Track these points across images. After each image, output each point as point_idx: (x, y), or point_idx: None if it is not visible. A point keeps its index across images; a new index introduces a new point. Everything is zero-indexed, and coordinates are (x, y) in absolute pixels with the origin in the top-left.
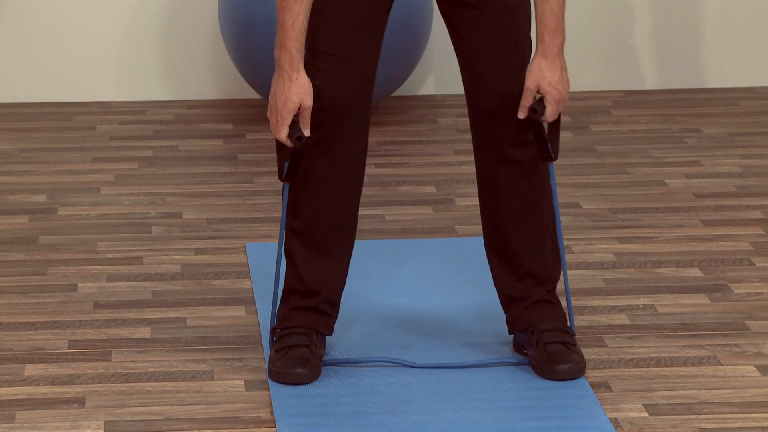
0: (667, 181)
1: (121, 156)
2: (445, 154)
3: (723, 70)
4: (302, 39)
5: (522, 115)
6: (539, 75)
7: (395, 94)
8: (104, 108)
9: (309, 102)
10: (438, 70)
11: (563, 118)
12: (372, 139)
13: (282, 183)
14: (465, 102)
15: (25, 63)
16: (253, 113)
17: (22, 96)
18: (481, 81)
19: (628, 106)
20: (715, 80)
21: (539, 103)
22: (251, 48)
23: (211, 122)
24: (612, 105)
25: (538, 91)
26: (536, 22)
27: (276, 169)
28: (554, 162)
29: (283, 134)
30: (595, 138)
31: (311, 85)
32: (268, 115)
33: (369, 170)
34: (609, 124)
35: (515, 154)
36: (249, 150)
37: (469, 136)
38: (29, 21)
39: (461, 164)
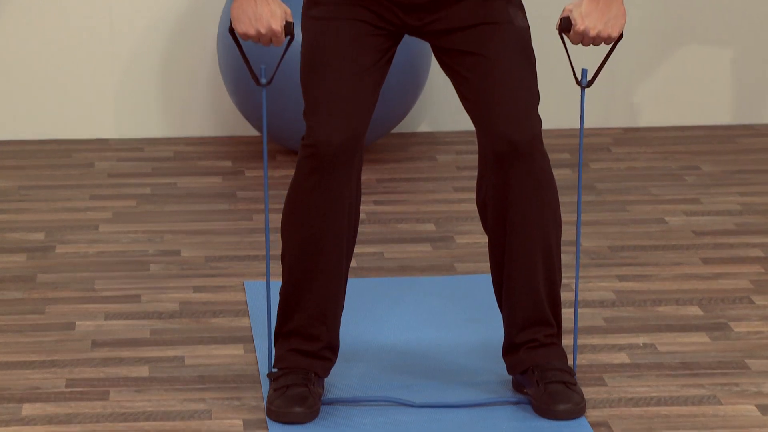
0: (666, 218)
1: (119, 193)
2: (445, 192)
3: (721, 108)
4: None
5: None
6: (578, 3)
7: (394, 131)
8: (103, 145)
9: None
10: (437, 108)
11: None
12: (371, 176)
13: (262, 87)
14: (464, 139)
15: (23, 100)
16: (251, 150)
17: (20, 133)
18: (491, 129)
19: (628, 144)
20: (714, 118)
21: (567, 20)
22: (250, 85)
23: (209, 159)
24: (611, 142)
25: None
26: None
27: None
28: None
29: (278, 26)
30: (594, 175)
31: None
32: (244, 30)
33: (368, 207)
34: (608, 162)
35: (526, 191)
36: (248, 187)
37: (468, 173)
38: (28, 58)
39: (461, 201)
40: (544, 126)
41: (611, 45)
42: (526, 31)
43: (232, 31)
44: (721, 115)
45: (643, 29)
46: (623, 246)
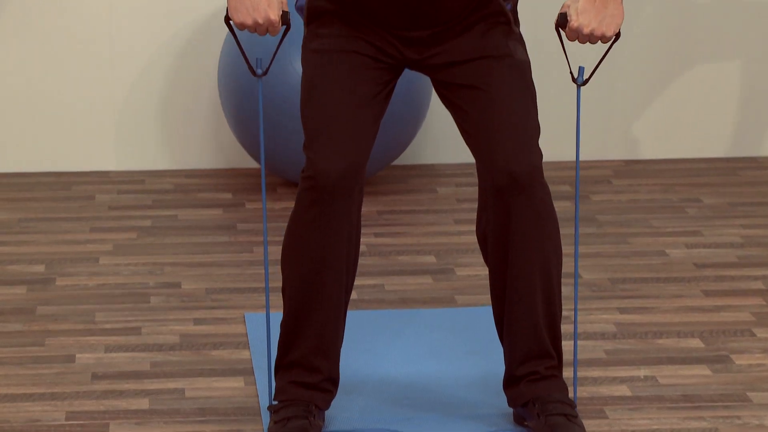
0: (667, 251)
1: (119, 226)
2: (445, 224)
3: (723, 140)
4: None
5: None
6: (576, 0)
7: (395, 163)
8: (103, 178)
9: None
10: (437, 140)
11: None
12: (371, 208)
13: (258, 78)
14: (465, 172)
15: (24, 133)
16: (252, 182)
17: (20, 166)
18: (492, 162)
19: (629, 176)
20: (715, 150)
21: (563, 16)
22: (250, 117)
23: (210, 191)
24: (612, 174)
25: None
26: None
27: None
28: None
29: (275, 15)
30: (595, 207)
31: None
32: (241, 19)
33: (368, 240)
34: (609, 194)
35: (526, 223)
36: (248, 219)
37: (468, 205)
38: (29, 90)
39: (461, 234)
40: (545, 158)
41: (608, 44)
42: (527, 64)
43: (228, 20)
44: (723, 148)
45: (642, 61)
46: (624, 278)
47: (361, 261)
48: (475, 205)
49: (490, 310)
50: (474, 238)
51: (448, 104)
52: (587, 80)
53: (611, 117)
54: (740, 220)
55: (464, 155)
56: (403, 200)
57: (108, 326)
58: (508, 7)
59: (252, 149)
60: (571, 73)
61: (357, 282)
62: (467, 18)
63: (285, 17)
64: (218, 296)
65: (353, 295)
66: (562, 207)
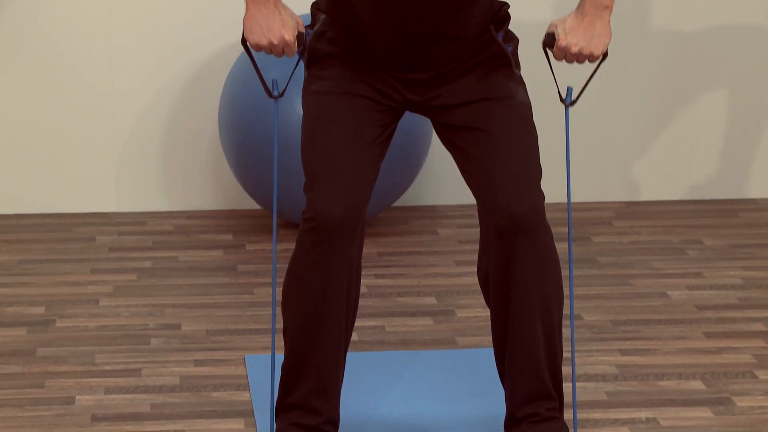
0: (668, 292)
1: (120, 267)
2: (446, 265)
3: (724, 182)
4: None
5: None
6: (563, 18)
7: (395, 204)
8: (104, 219)
9: (289, 37)
10: (438, 181)
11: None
12: (372, 249)
13: (275, 100)
14: (465, 213)
15: (24, 174)
16: (252, 224)
17: (21, 207)
18: (494, 203)
19: (630, 218)
20: (716, 192)
21: (551, 36)
22: (251, 158)
23: (210, 233)
24: (613, 216)
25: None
26: None
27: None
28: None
29: (290, 36)
30: (596, 249)
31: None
32: (257, 40)
33: (369, 281)
34: (610, 236)
35: (528, 265)
36: (249, 261)
37: (469, 247)
38: (29, 132)
39: (462, 275)
40: (546, 200)
41: (596, 64)
42: (528, 106)
43: (244, 41)
44: (724, 190)
45: (642, 103)
46: (625, 320)
47: (361, 302)
48: (476, 247)
49: (491, 351)
50: (475, 280)
51: (449, 146)
52: (575, 100)
53: (611, 159)
54: (741, 262)
55: (465, 197)
56: (404, 242)
57: (108, 368)
58: (509, 49)
59: (252, 190)
60: (559, 93)
61: (357, 323)
62: (468, 60)
63: (300, 38)
64: (218, 338)
65: (354, 337)
66: (563, 248)
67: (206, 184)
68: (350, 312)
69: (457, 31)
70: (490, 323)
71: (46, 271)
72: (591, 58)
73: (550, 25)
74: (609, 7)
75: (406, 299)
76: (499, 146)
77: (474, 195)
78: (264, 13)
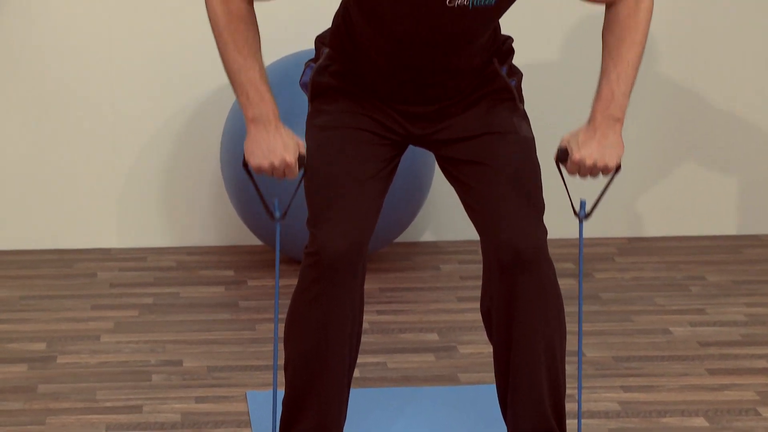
0: (671, 329)
1: (121, 303)
2: (448, 301)
3: (727, 218)
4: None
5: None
6: (574, 133)
7: (397, 240)
8: (105, 255)
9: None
10: (440, 217)
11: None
12: (374, 285)
13: (276, 222)
14: (468, 249)
15: (25, 210)
16: (254, 260)
17: (22, 243)
18: (496, 238)
19: (632, 254)
20: (718, 228)
21: (564, 151)
22: (253, 194)
23: (212, 269)
24: (616, 252)
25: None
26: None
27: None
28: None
29: (292, 158)
30: (599, 285)
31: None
32: (258, 162)
33: (371, 317)
34: (613, 272)
35: (531, 300)
36: (250, 297)
37: (472, 282)
38: (30, 167)
39: (464, 311)
40: (549, 235)
41: (609, 176)
42: (531, 141)
43: (245, 164)
44: (727, 226)
45: (646, 139)
46: (628, 356)
47: (363, 338)
48: (479, 283)
49: (493, 388)
50: (477, 316)
51: (452, 180)
52: (590, 214)
53: (615, 194)
54: (744, 299)
55: (467, 232)
56: (406, 277)
57: (109, 404)
58: (513, 83)
59: (254, 225)
60: (572, 207)
61: (359, 360)
62: (472, 94)
63: (302, 160)
64: (220, 374)
65: (355, 373)
66: (565, 284)
67: (208, 219)
68: (353, 348)
69: (461, 65)
70: (492, 359)
71: (47, 307)
72: (605, 171)
73: (562, 140)
74: (620, 120)
75: (408, 335)
76: (502, 181)
77: (477, 229)
78: (265, 136)
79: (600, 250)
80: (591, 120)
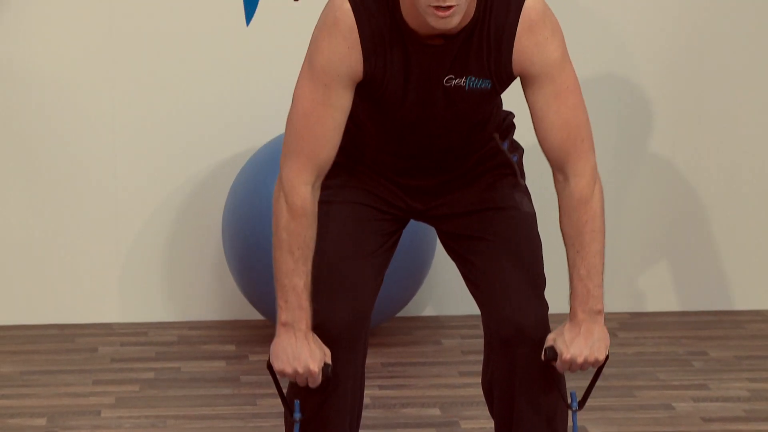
0: (674, 404)
1: (122, 378)
2: (450, 376)
3: (729, 293)
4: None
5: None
6: (559, 331)
7: (399, 315)
8: (106, 330)
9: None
10: (441, 292)
11: None
12: (375, 360)
13: (296, 422)
14: (469, 324)
15: (26, 285)
16: (255, 334)
17: (23, 318)
18: (498, 312)
19: (634, 329)
20: (721, 303)
21: (552, 350)
22: (254, 269)
23: (213, 343)
24: (618, 327)
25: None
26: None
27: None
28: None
29: (316, 367)
30: None
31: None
32: (282, 367)
33: (372, 392)
34: (615, 347)
35: (532, 375)
36: (251, 371)
37: (473, 357)
38: (31, 242)
39: (466, 386)
40: (550, 310)
41: (599, 367)
42: (532, 216)
43: (269, 366)
44: (729, 301)
45: (646, 214)
46: None
47: (364, 413)
48: (480, 357)
49: None
50: (479, 391)
51: (453, 255)
52: (582, 405)
53: (616, 269)
54: (747, 374)
55: (469, 307)
56: (408, 352)
57: None
58: (514, 159)
59: (255, 300)
60: (564, 400)
61: None
62: (473, 169)
63: (326, 370)
64: None
65: None
66: None
67: (209, 294)
68: (353, 422)
69: (462, 143)
70: None
71: (47, 383)
72: (595, 363)
73: (548, 339)
74: (601, 311)
75: (410, 410)
76: (503, 256)
77: (478, 304)
78: (293, 342)
79: None
80: (572, 317)
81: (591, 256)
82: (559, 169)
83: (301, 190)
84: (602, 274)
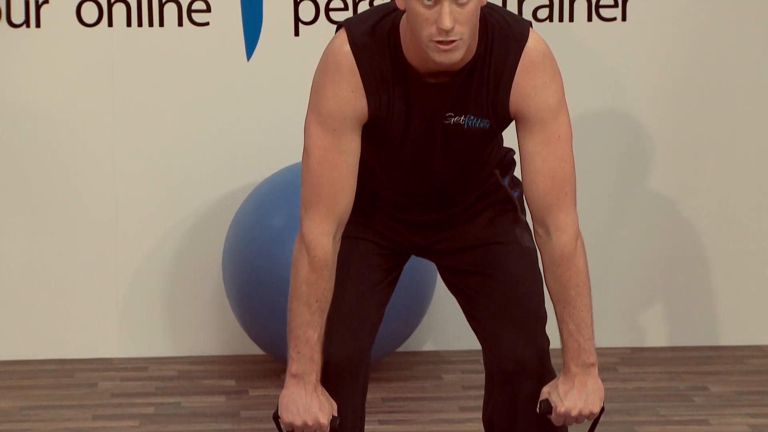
0: None
1: (122, 413)
2: (450, 411)
3: (730, 328)
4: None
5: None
6: (553, 384)
7: (399, 350)
8: (106, 365)
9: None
10: (442, 326)
11: None
12: (376, 395)
13: None
14: (470, 359)
15: (26, 320)
16: (255, 369)
17: (22, 353)
18: (498, 347)
19: (635, 364)
20: (722, 338)
21: (547, 403)
22: (255, 304)
23: (213, 378)
24: (618, 362)
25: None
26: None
27: None
28: None
29: (325, 420)
30: None
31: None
32: (291, 419)
33: (373, 427)
34: (616, 381)
35: (534, 409)
36: (251, 407)
37: (474, 392)
38: (31, 277)
39: (467, 421)
40: (551, 344)
41: (594, 419)
42: (533, 251)
43: (276, 417)
44: (730, 336)
45: (647, 250)
46: None
47: None
48: (481, 392)
49: None
50: (480, 425)
51: (454, 290)
52: None
53: (617, 304)
54: (748, 409)
55: (469, 342)
56: (408, 387)
57: None
58: (515, 194)
59: (256, 335)
60: None
61: None
62: (474, 205)
63: (334, 422)
64: None
65: None
66: None
67: (209, 329)
68: None
69: (462, 180)
70: None
71: (47, 418)
72: (590, 416)
73: (543, 392)
74: (594, 363)
75: None
76: (504, 291)
77: (478, 339)
78: (303, 394)
79: (602, 360)
80: (566, 371)
81: (578, 311)
82: (541, 223)
83: (323, 242)
84: (592, 326)
